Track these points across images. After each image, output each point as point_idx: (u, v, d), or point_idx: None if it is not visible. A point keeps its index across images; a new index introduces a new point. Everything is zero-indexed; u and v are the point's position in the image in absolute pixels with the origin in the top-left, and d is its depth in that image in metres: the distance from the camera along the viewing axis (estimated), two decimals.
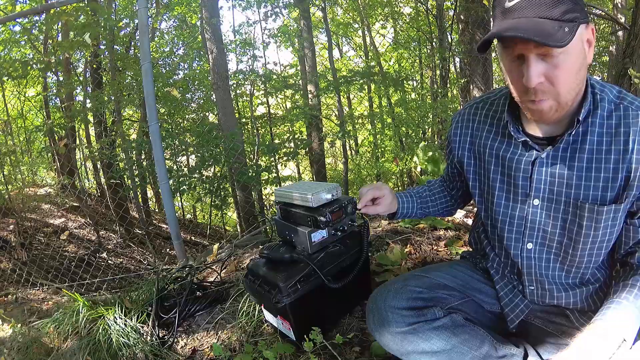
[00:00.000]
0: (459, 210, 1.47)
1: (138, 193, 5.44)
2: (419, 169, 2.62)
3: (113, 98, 4.97)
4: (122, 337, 1.48)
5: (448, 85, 6.53)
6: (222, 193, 4.76)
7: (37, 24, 3.90)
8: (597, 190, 0.81)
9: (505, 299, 1.00)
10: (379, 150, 7.43)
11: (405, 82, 6.64)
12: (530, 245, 0.92)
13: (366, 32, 8.74)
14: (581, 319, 0.94)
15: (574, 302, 0.93)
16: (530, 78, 0.72)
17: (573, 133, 0.81)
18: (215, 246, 2.39)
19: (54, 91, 6.02)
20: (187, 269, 1.97)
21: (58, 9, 2.78)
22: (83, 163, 7.34)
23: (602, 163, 0.80)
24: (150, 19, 5.93)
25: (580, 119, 0.79)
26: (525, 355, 0.93)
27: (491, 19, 0.77)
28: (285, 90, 6.48)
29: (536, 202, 0.88)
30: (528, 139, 0.86)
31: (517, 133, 0.87)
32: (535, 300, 0.98)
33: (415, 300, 0.94)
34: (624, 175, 0.79)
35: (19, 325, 1.75)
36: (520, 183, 0.90)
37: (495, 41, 0.77)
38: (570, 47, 0.70)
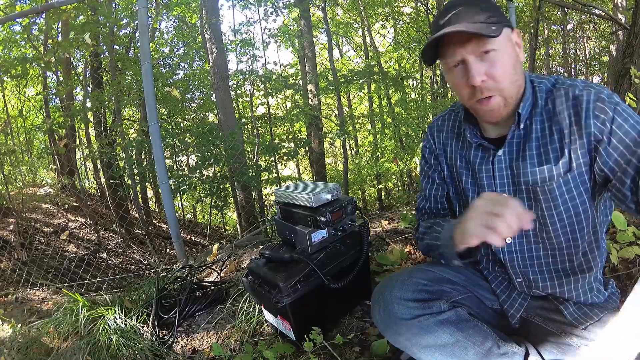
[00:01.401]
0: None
1: (138, 193, 5.43)
2: (419, 169, 2.61)
3: (113, 98, 4.97)
4: (122, 337, 1.48)
5: (448, 85, 6.53)
6: (222, 193, 4.76)
7: (37, 24, 3.90)
8: (543, 172, 0.86)
9: (503, 296, 1.03)
10: (379, 150, 7.42)
11: (404, 80, 6.64)
12: (508, 239, 0.93)
13: (366, 32, 8.74)
14: (575, 314, 0.94)
15: (562, 292, 0.95)
16: (473, 76, 0.80)
17: (522, 126, 0.88)
18: (215, 246, 2.39)
19: (54, 91, 6.02)
20: (187, 269, 1.97)
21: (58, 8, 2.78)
22: (83, 163, 7.35)
23: (548, 146, 0.86)
24: (150, 19, 5.92)
25: (520, 111, 0.86)
26: (527, 355, 0.93)
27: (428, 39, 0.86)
28: (285, 90, 6.48)
29: None
30: (484, 141, 0.94)
31: (473, 137, 0.95)
32: (525, 292, 1.01)
33: (420, 292, 0.95)
34: (569, 148, 0.83)
35: (19, 325, 1.75)
36: (485, 183, 0.96)
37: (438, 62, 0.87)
38: (501, 45, 0.81)
